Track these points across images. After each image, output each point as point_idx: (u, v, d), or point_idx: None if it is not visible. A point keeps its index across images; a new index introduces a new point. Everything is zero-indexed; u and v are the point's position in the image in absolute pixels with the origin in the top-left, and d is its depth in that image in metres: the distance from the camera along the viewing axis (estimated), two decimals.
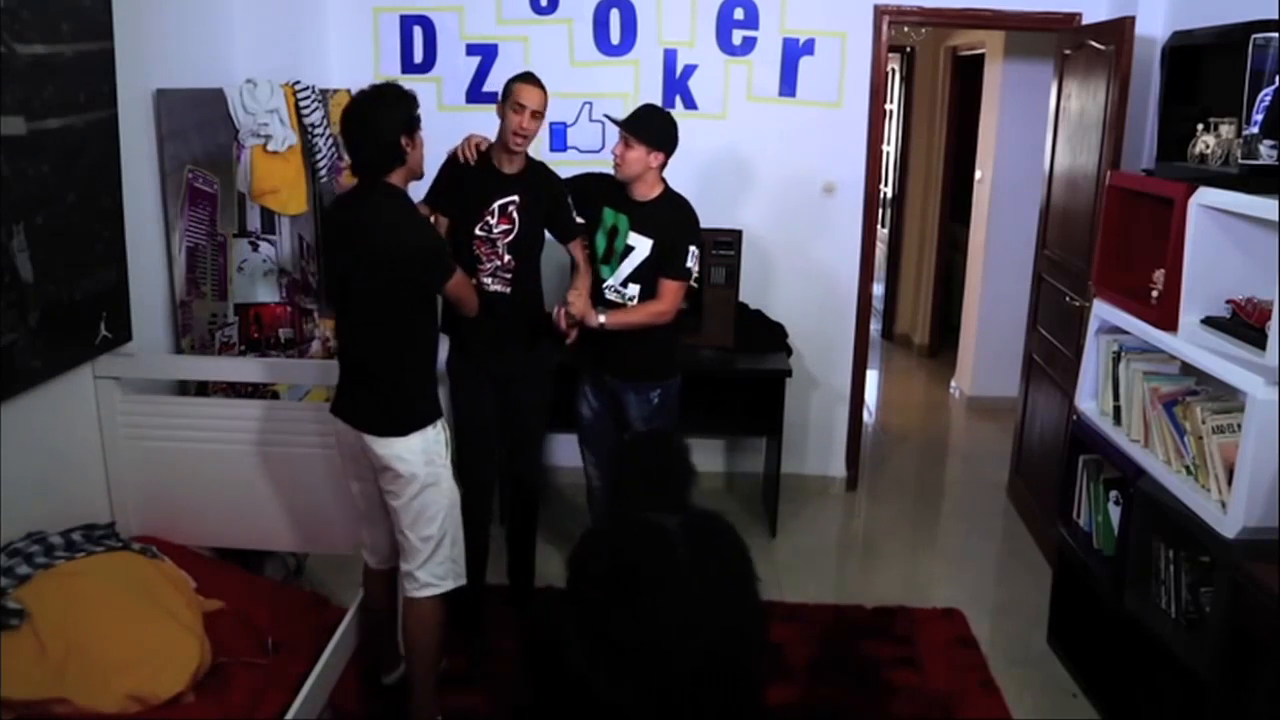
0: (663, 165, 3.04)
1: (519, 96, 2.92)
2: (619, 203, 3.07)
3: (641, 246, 3.04)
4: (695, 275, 3.17)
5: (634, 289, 3.07)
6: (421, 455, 2.51)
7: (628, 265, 3.05)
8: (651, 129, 2.99)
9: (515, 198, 2.98)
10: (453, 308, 2.76)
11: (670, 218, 3.05)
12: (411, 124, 2.47)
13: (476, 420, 3.14)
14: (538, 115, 2.94)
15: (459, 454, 3.16)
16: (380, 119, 2.42)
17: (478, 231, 3.00)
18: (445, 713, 2.85)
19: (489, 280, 3.02)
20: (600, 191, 3.12)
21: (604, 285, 3.10)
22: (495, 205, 2.98)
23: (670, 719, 2.08)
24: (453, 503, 2.60)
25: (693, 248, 3.05)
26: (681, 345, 3.30)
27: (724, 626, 2.18)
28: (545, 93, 2.96)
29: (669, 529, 2.24)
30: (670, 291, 3.05)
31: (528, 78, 2.97)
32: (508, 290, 3.03)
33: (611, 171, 3.07)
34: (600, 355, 3.15)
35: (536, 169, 3.08)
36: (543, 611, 2.33)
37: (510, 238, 2.99)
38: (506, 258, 3.00)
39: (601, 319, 3.02)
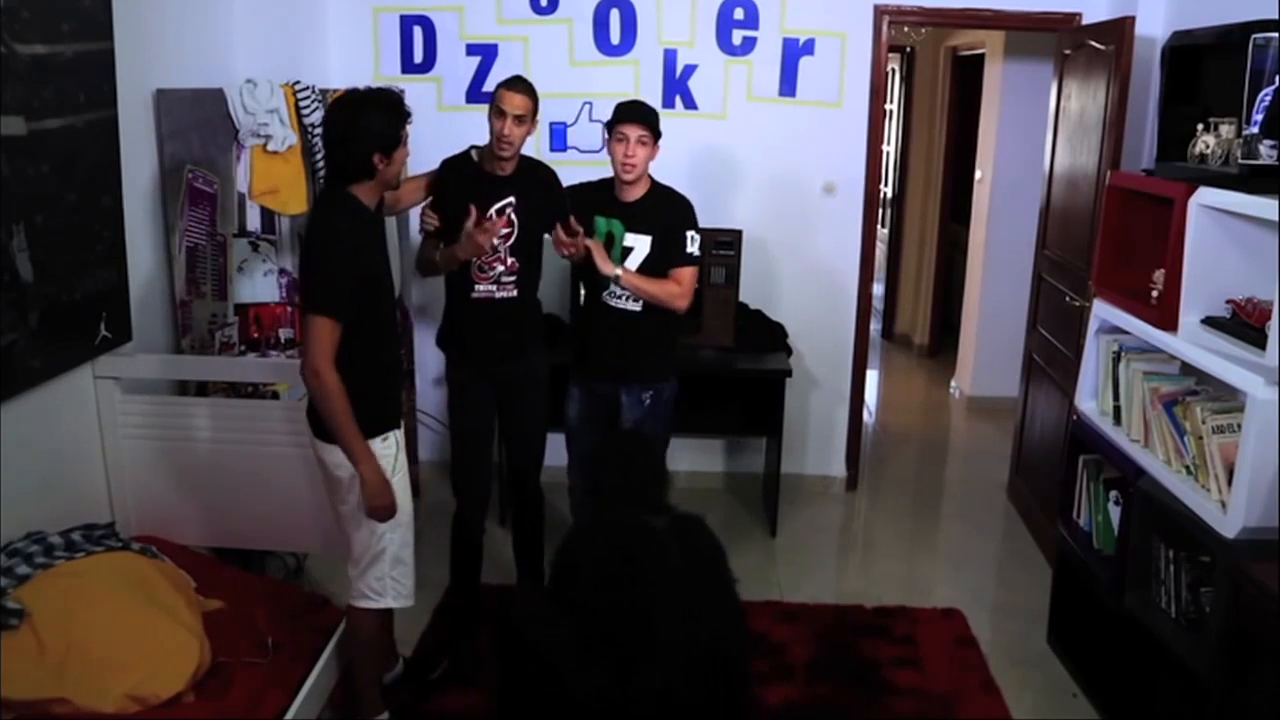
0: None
1: (501, 101, 2.85)
2: (609, 209, 3.03)
3: (640, 245, 3.00)
4: (700, 259, 3.10)
5: None
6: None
7: (630, 265, 3.01)
8: (656, 119, 2.95)
9: (511, 199, 2.95)
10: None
11: (663, 208, 3.01)
12: (391, 143, 2.31)
13: (473, 430, 3.11)
14: (521, 120, 2.85)
15: (454, 462, 3.17)
16: (359, 129, 2.28)
17: None
18: (446, 713, 2.85)
19: (494, 288, 2.99)
20: (587, 203, 3.06)
21: (604, 292, 3.05)
22: (492, 210, 2.96)
23: (663, 717, 2.09)
24: (398, 521, 2.45)
25: (691, 233, 3.00)
26: (677, 348, 3.22)
27: (713, 625, 2.20)
28: (531, 98, 2.86)
29: (660, 530, 2.26)
30: (684, 278, 3.01)
31: (512, 83, 2.89)
32: (515, 294, 3.00)
33: (597, 179, 3.05)
34: (588, 358, 3.13)
35: (529, 166, 3.04)
36: (519, 611, 2.30)
37: (511, 240, 2.97)
38: (510, 260, 2.98)
39: (617, 270, 2.95)
